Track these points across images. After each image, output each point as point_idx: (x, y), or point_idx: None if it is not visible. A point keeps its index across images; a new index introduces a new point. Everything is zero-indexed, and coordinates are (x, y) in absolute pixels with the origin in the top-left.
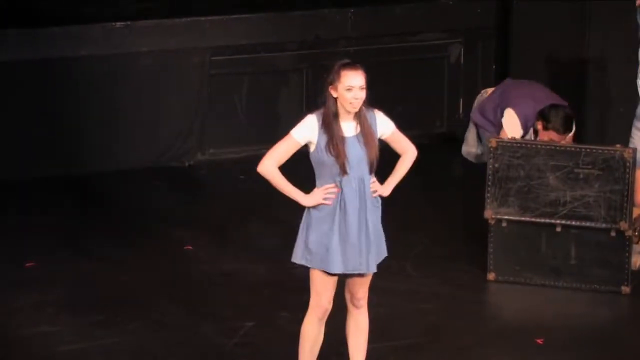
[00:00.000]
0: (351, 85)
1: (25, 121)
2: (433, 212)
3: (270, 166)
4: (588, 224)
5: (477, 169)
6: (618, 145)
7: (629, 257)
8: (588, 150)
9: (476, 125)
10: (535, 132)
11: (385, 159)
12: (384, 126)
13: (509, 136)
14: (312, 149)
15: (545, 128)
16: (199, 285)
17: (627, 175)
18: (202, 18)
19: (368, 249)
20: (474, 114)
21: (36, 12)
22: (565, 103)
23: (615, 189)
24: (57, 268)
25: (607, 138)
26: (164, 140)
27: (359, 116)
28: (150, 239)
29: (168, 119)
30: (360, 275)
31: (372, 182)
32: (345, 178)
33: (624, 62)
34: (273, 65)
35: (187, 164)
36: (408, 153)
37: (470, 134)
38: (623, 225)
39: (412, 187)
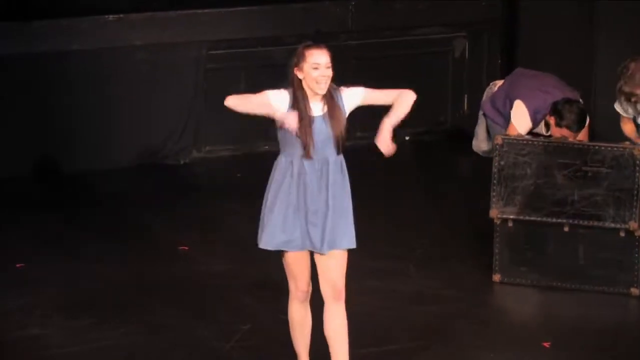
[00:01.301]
0: (317, 63)
1: (14, 117)
2: (436, 211)
3: (234, 97)
4: (596, 223)
5: (481, 166)
6: (627, 143)
7: (639, 258)
8: (596, 147)
9: (485, 117)
10: (547, 125)
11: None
12: (352, 95)
13: (517, 129)
14: (278, 123)
15: (558, 125)
16: (195, 286)
17: (637, 174)
18: (198, 11)
19: (323, 228)
20: (485, 105)
21: (24, 5)
22: (577, 95)
23: (625, 187)
24: (46, 269)
25: (615, 135)
26: (158, 137)
27: (325, 95)
28: (145, 239)
29: (162, 115)
30: (330, 255)
31: (380, 139)
32: (308, 159)
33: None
34: (271, 59)
35: (182, 162)
36: (402, 93)
37: (480, 129)
38: (633, 225)
39: (415, 185)
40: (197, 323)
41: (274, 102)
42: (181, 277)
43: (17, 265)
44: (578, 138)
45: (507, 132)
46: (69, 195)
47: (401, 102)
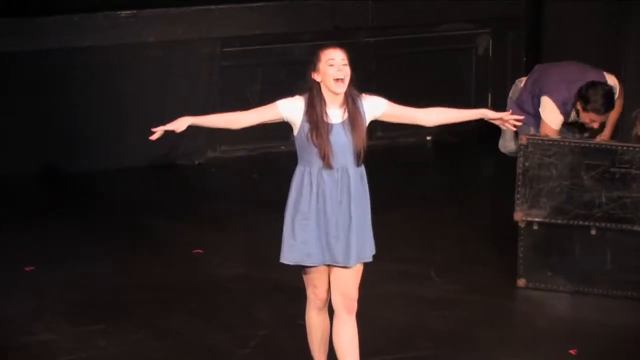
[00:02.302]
0: (332, 59)
1: (25, 116)
2: (459, 214)
3: (230, 114)
4: (625, 226)
5: (505, 167)
6: None
7: None
8: (624, 148)
9: None
10: (578, 113)
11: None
12: (373, 105)
13: (550, 125)
14: (295, 131)
15: (585, 110)
16: (209, 291)
17: None
18: (212, 6)
19: (347, 242)
20: (511, 106)
21: (33, 0)
22: (602, 75)
23: None
24: (54, 272)
25: None
26: (172, 137)
27: (346, 101)
28: (157, 242)
29: (176, 113)
30: (345, 268)
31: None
32: (327, 169)
33: None
34: (288, 56)
35: (196, 162)
36: (434, 110)
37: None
38: None
39: (436, 186)
40: (211, 329)
41: (283, 112)
42: (195, 281)
43: (27, 269)
44: (611, 117)
45: (542, 131)
46: (77, 196)
47: (448, 110)
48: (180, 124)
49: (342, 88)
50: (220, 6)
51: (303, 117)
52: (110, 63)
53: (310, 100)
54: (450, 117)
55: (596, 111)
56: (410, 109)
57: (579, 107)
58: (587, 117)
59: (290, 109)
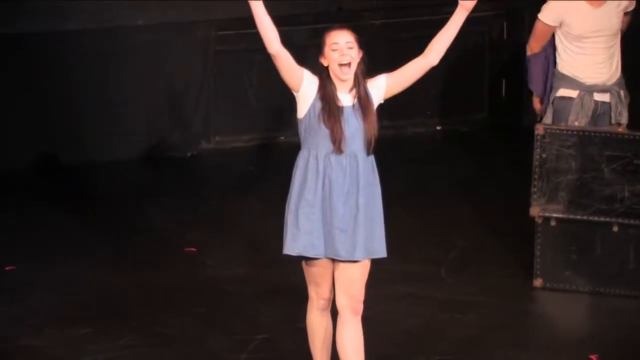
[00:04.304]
0: (336, 42)
1: (7, 105)
2: (472, 209)
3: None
4: None
5: (521, 159)
6: None
7: None
8: None
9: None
10: None
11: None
12: (376, 87)
13: (542, 20)
14: (302, 111)
15: None
16: (204, 292)
17: None
18: None
19: (354, 234)
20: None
21: None
22: None
23: None
24: (41, 271)
25: None
26: (164, 127)
27: (356, 84)
28: (149, 239)
29: (168, 102)
30: (352, 263)
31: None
32: (336, 154)
33: None
34: (289, 40)
35: (189, 154)
36: (428, 49)
37: None
38: None
39: (448, 179)
40: (207, 333)
41: (305, 80)
42: (189, 282)
43: (7, 268)
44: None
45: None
46: (66, 189)
47: (438, 36)
48: None
49: (348, 74)
50: None
51: (316, 95)
52: (96, 49)
53: (321, 82)
54: (444, 39)
55: None
56: (409, 64)
57: None
58: None
59: (310, 82)
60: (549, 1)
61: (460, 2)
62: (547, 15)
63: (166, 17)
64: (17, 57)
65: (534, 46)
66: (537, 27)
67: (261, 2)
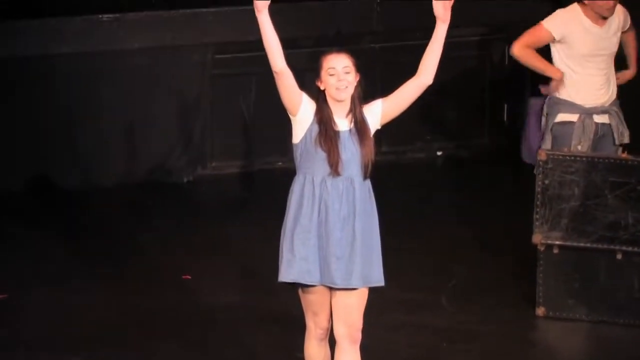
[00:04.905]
0: (332, 67)
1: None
2: (473, 236)
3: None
4: None
5: (523, 185)
6: None
7: None
8: None
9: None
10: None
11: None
12: (372, 111)
13: (544, 25)
14: (299, 135)
15: None
16: (199, 320)
17: None
18: (204, 9)
19: (350, 261)
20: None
21: (9, 2)
22: None
23: None
24: (32, 297)
25: None
26: (159, 152)
27: (353, 109)
28: (144, 266)
29: (163, 127)
30: (349, 291)
31: None
32: (332, 178)
33: None
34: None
35: (185, 180)
36: (420, 69)
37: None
38: None
39: (448, 206)
40: None
41: (304, 103)
42: (184, 310)
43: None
44: (630, 51)
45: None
46: (56, 216)
47: (426, 54)
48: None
49: (343, 97)
50: (212, 9)
51: (313, 119)
52: (91, 72)
53: (318, 106)
54: (431, 57)
55: None
56: (403, 87)
57: (585, 2)
58: (596, 5)
59: (308, 106)
60: (558, 10)
61: (436, 15)
62: (552, 24)
63: (163, 41)
64: (10, 79)
65: (519, 45)
66: (537, 30)
67: (269, 17)
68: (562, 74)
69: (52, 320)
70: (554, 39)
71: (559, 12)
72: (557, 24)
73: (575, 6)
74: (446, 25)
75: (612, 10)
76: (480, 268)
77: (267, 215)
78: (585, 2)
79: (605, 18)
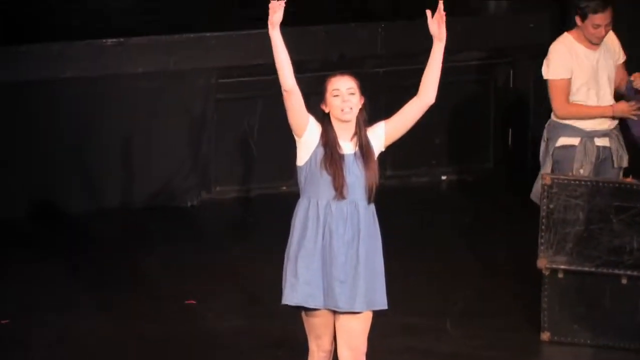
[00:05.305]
0: (337, 89)
1: (3, 152)
2: (477, 261)
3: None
4: None
5: (528, 210)
6: None
7: None
8: None
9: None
10: (582, 29)
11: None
12: (376, 133)
13: (556, 78)
14: (303, 158)
15: (584, 16)
16: (203, 345)
17: None
18: (207, 34)
19: (354, 285)
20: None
21: (12, 27)
22: None
23: None
24: (36, 324)
25: None
26: (163, 177)
27: (357, 132)
28: (147, 291)
29: (167, 151)
30: (353, 315)
31: None
32: (337, 202)
33: None
34: None
35: (189, 204)
36: (420, 89)
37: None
38: None
39: (452, 231)
40: None
41: (310, 125)
42: (187, 335)
43: (1, 322)
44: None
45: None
46: (62, 240)
47: (425, 74)
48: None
49: (348, 118)
50: (216, 34)
51: (318, 142)
52: (94, 96)
53: (324, 129)
54: (431, 76)
55: (595, 11)
56: (405, 108)
57: (579, 23)
58: (591, 28)
59: (314, 129)
60: (550, 58)
61: (432, 34)
62: (557, 71)
63: (167, 65)
64: (14, 104)
65: (560, 106)
66: (557, 87)
67: (280, 34)
68: (611, 107)
69: (54, 346)
70: (570, 79)
71: (553, 55)
72: (560, 67)
73: (566, 36)
74: (443, 43)
75: (601, 39)
76: (485, 292)
77: (271, 239)
78: (579, 25)
79: (596, 44)
